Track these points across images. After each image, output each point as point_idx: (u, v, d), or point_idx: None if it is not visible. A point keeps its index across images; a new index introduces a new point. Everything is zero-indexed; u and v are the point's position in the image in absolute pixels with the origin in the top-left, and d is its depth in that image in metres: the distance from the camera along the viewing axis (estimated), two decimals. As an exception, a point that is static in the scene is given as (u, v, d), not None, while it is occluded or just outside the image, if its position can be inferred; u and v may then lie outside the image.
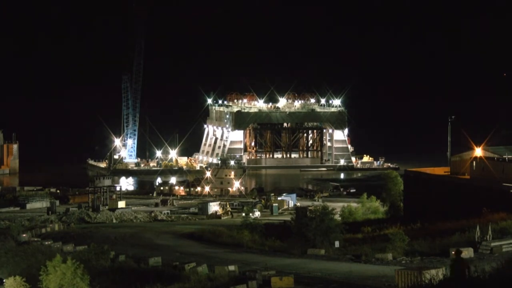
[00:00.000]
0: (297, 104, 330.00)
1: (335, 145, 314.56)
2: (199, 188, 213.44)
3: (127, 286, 78.04)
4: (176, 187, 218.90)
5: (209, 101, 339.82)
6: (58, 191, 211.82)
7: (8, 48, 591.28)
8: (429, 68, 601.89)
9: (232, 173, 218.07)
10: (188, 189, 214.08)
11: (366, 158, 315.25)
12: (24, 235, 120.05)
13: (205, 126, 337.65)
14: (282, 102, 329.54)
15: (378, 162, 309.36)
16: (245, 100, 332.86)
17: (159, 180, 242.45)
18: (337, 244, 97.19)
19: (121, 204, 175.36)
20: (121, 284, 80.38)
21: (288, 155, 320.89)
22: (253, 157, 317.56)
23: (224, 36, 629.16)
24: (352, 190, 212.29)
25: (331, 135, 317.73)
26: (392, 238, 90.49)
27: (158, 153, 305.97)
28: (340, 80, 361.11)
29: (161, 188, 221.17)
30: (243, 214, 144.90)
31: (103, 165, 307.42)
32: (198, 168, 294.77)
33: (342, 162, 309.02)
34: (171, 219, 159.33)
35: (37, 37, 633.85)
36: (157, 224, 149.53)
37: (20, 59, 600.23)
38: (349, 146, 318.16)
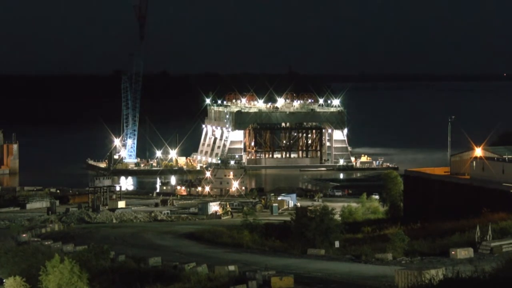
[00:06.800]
0: (296, 104, 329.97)
1: (335, 145, 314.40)
2: (199, 188, 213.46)
3: (127, 286, 78.10)
4: (178, 187, 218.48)
5: (208, 101, 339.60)
6: (58, 191, 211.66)
7: (8, 47, 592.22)
8: (428, 68, 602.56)
9: (231, 173, 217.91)
10: (189, 189, 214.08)
11: (364, 158, 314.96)
12: (24, 235, 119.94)
13: (203, 126, 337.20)
14: (280, 102, 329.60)
15: (377, 162, 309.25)
16: (244, 100, 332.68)
17: (159, 183, 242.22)
18: (337, 244, 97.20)
19: (121, 204, 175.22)
20: (121, 284, 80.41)
21: (287, 155, 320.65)
22: (252, 157, 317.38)
23: (223, 36, 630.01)
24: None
25: (330, 135, 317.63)
26: (392, 238, 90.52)
27: (158, 153, 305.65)
28: (339, 79, 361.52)
29: (164, 187, 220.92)
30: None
31: (103, 165, 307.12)
32: (198, 168, 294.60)
33: (341, 162, 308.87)
34: (171, 219, 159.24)
35: (37, 36, 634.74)
36: (157, 224, 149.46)
37: (19, 59, 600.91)
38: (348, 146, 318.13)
